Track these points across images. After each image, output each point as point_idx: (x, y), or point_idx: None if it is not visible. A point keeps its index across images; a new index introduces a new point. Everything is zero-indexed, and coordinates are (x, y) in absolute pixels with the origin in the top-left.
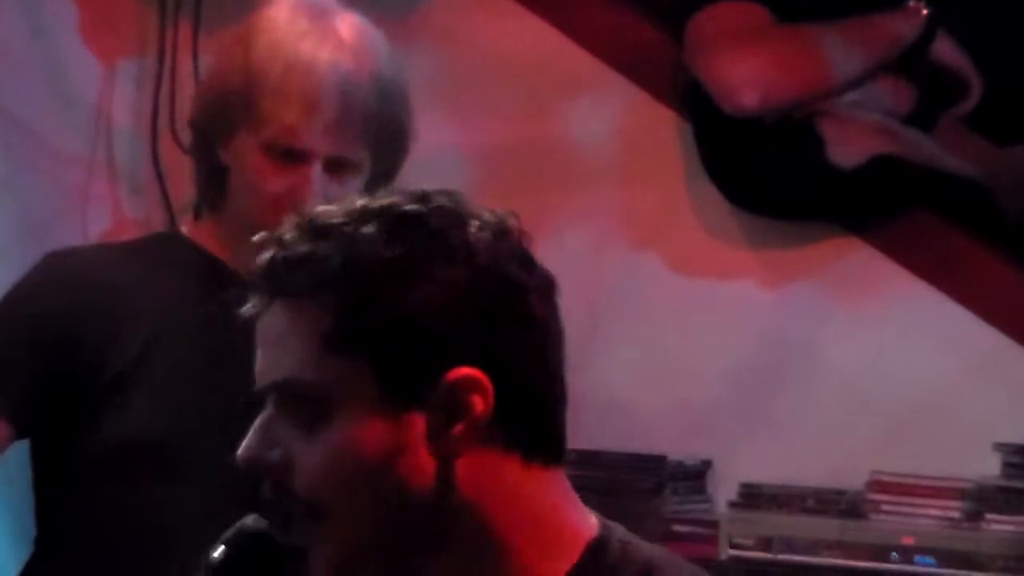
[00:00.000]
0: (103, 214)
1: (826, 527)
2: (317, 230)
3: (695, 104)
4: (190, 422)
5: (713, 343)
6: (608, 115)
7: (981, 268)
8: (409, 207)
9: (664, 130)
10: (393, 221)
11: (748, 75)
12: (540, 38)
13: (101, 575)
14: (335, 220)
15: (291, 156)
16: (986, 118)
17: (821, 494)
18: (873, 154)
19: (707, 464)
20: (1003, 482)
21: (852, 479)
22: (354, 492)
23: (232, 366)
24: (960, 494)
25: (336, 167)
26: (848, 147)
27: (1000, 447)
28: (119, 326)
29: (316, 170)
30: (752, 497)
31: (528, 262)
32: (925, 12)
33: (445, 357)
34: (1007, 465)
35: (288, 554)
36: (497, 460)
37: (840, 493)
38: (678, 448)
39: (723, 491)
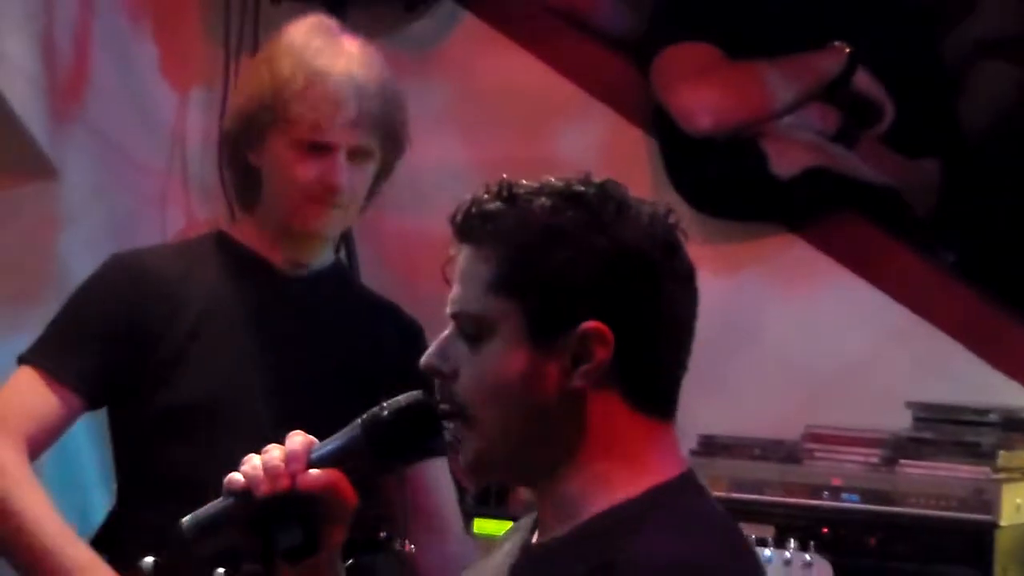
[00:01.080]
0: (178, 216)
1: (769, 471)
2: (506, 195)
3: (661, 126)
4: (235, 389)
5: None
6: (588, 135)
7: (894, 258)
8: (577, 188)
9: (635, 147)
10: (562, 196)
11: (704, 102)
12: (533, 72)
13: (165, 523)
14: (521, 190)
15: (318, 149)
16: (897, 136)
17: (765, 444)
18: (807, 166)
19: None
20: (914, 433)
21: (790, 431)
22: (496, 404)
23: (270, 341)
24: (879, 443)
25: (356, 156)
26: (786, 161)
27: (911, 404)
28: (172, 312)
29: (341, 159)
30: (709, 447)
31: (671, 250)
32: (848, 51)
33: (580, 312)
34: (916, 419)
35: (439, 423)
36: (609, 403)
37: (780, 443)
38: None
39: (685, 442)
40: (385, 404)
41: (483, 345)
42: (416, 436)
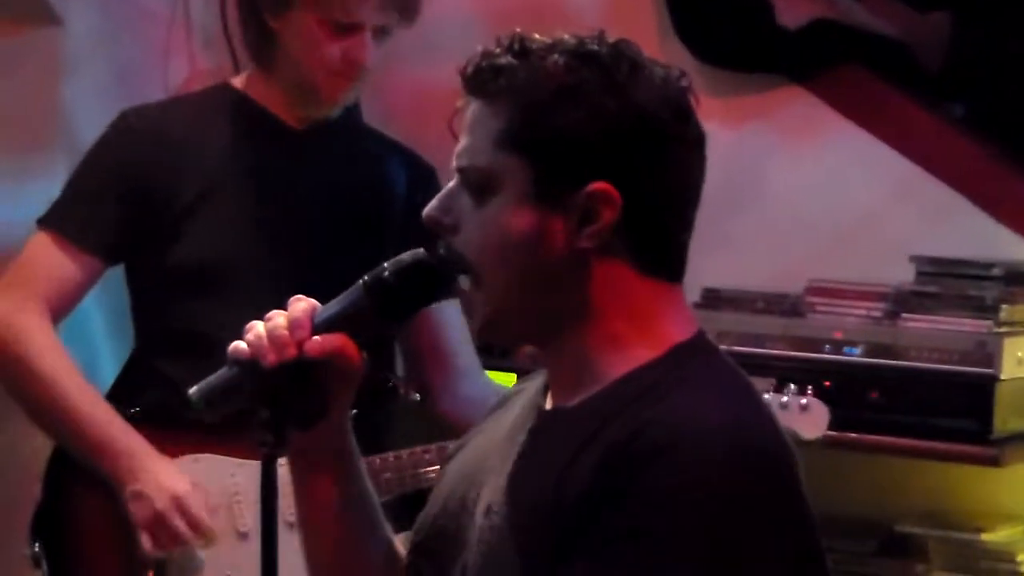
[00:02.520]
0: (182, 65)
1: (772, 324)
2: (519, 49)
3: None
4: (248, 244)
5: None
6: None
7: (900, 111)
8: (592, 47)
9: None
10: (575, 55)
11: None
12: None
13: (180, 375)
14: (535, 45)
15: (346, 28)
16: None
17: (768, 297)
18: (813, 17)
19: None
20: (916, 287)
21: (793, 284)
22: (500, 260)
23: (281, 196)
24: (882, 297)
25: (378, 32)
26: (792, 11)
27: (914, 259)
28: (184, 168)
29: (368, 37)
30: (712, 299)
31: (683, 113)
32: None
33: (587, 172)
34: (920, 273)
35: (442, 280)
36: (617, 264)
37: (783, 296)
38: None
39: (689, 294)
40: (387, 264)
41: (488, 200)
42: (420, 294)
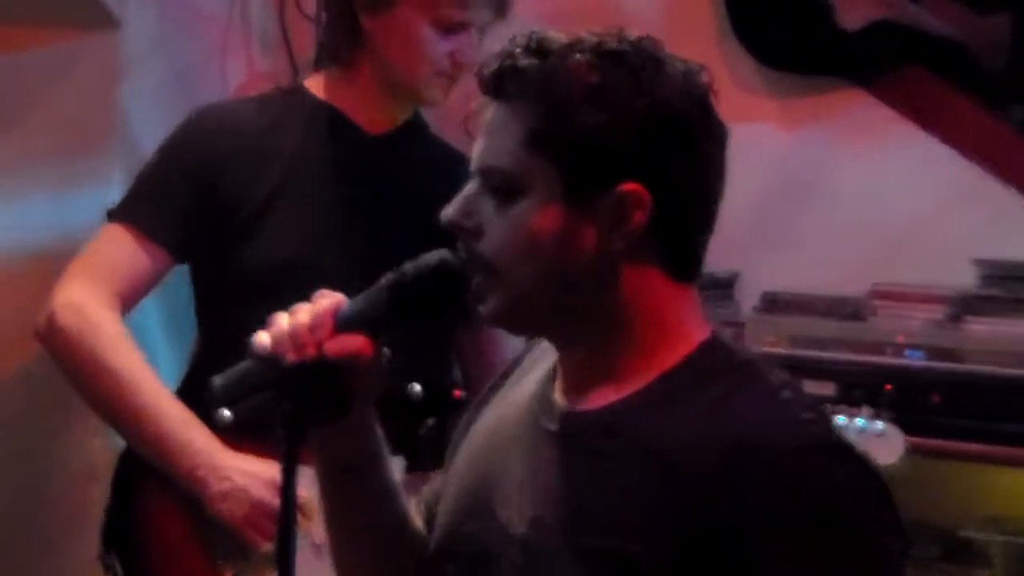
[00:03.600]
0: (239, 68)
1: (833, 328)
2: (540, 49)
3: None
4: (318, 248)
5: (741, 175)
6: None
7: (962, 113)
8: (614, 45)
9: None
10: (598, 53)
11: None
12: None
13: None
14: (555, 45)
15: (453, 27)
16: None
17: (829, 300)
18: (873, 19)
19: (735, 276)
20: (979, 291)
21: (855, 288)
22: (528, 262)
23: (351, 200)
24: (944, 300)
25: (479, 32)
26: (853, 13)
27: (977, 262)
28: (256, 168)
29: (475, 35)
30: (772, 303)
31: (706, 108)
32: None
33: (617, 173)
34: (982, 277)
35: (463, 283)
36: (644, 266)
37: (845, 300)
38: (710, 262)
39: (748, 298)
40: (409, 264)
41: (513, 202)
42: (440, 295)
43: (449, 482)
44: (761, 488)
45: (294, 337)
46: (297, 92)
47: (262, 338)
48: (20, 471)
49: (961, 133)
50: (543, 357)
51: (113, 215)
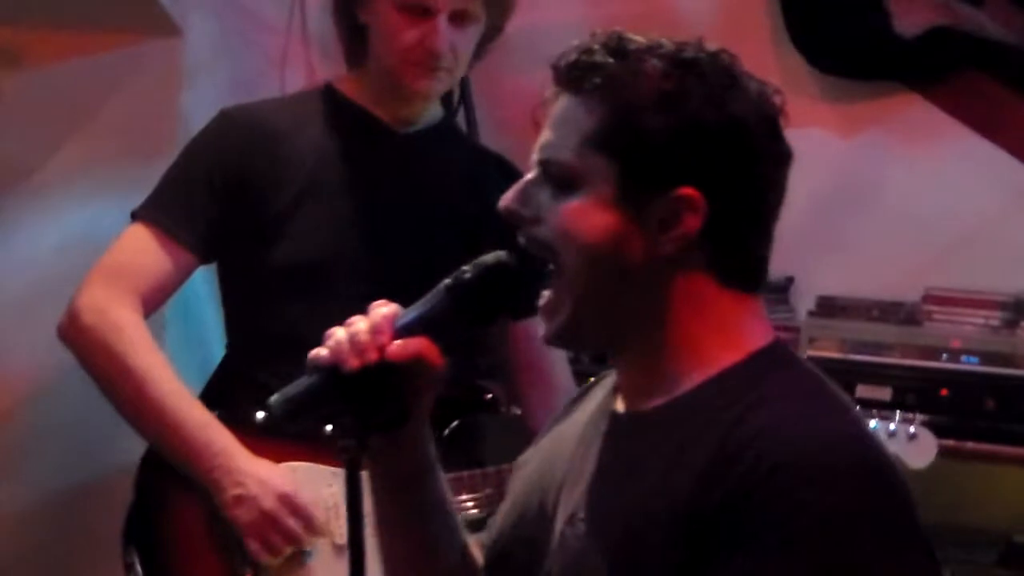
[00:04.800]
0: (298, 75)
1: (888, 332)
2: (616, 49)
3: None
4: (345, 247)
5: (796, 180)
6: None
7: (1019, 118)
8: (692, 54)
9: (756, 3)
10: (674, 61)
11: None
12: None
13: (271, 380)
14: (634, 47)
15: (421, 12)
16: None
17: (884, 305)
18: (931, 25)
19: (790, 280)
20: None
21: (910, 293)
22: (579, 256)
23: (379, 199)
24: (999, 305)
25: (458, 19)
26: (910, 19)
27: None
28: (283, 168)
29: (443, 21)
30: (827, 307)
31: (773, 131)
32: None
33: (675, 177)
34: None
35: (522, 283)
36: (696, 273)
37: (900, 304)
38: None
39: (803, 303)
40: (469, 266)
41: (569, 196)
42: (501, 295)
43: (506, 500)
44: (763, 503)
45: (355, 344)
46: (323, 91)
47: (319, 352)
48: (81, 469)
49: (1018, 138)
50: (602, 384)
51: (137, 215)
